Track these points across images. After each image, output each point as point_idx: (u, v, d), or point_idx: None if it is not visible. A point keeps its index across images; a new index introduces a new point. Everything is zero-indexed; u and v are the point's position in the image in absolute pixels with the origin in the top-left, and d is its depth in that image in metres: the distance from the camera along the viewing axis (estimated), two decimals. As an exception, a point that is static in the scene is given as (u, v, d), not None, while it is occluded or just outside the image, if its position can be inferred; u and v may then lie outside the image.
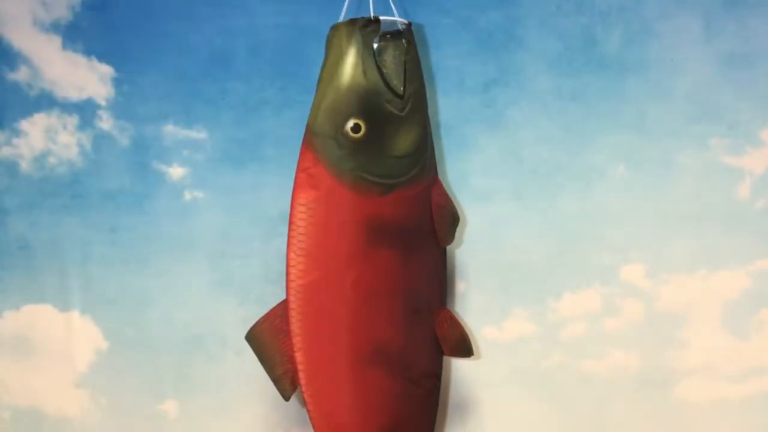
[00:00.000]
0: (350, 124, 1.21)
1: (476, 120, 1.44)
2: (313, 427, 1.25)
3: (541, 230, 1.43)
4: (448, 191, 1.31)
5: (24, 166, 1.49)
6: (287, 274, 1.22)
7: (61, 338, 1.50)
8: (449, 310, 1.30)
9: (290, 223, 1.22)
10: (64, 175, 1.49)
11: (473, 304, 1.43)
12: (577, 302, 1.43)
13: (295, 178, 1.23)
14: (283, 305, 1.24)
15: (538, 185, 1.43)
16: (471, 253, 1.43)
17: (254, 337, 1.26)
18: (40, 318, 1.50)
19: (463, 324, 1.30)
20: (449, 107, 1.44)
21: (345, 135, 1.22)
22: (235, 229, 1.47)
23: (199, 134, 1.47)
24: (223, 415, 1.48)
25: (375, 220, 1.23)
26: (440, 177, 1.30)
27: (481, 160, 1.44)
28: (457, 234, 1.37)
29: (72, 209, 1.49)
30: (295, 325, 1.23)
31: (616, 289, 1.42)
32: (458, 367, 1.43)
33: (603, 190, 1.42)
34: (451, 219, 1.29)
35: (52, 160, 1.49)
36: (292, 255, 1.22)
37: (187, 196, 1.47)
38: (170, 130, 1.48)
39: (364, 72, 1.21)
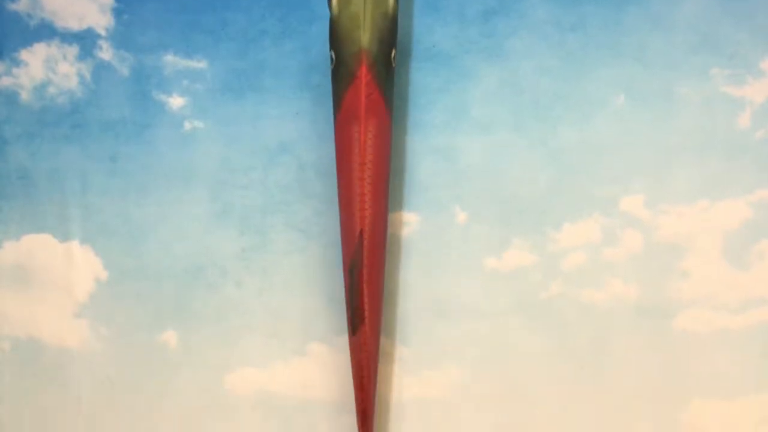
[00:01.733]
0: (393, 53, 1.24)
1: (476, 50, 1.43)
2: None
3: (541, 161, 1.43)
4: (448, 123, 1.34)
5: (24, 96, 1.49)
6: (360, 203, 1.26)
7: (61, 268, 1.50)
8: None
9: (357, 151, 1.25)
10: (64, 105, 1.49)
11: (473, 234, 1.43)
12: (577, 232, 1.42)
13: (358, 103, 1.26)
14: None
15: (538, 116, 1.43)
16: (471, 184, 1.43)
17: None
18: (40, 248, 1.50)
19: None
20: (449, 37, 1.43)
21: (389, 63, 1.25)
22: (235, 159, 1.47)
23: (199, 64, 1.47)
24: (223, 345, 1.48)
25: None
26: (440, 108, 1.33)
27: (480, 90, 1.43)
28: (457, 165, 1.39)
29: (72, 139, 1.49)
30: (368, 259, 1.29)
31: (616, 219, 1.41)
32: (458, 297, 1.43)
33: (603, 120, 1.42)
34: None
35: (52, 90, 1.49)
36: (365, 184, 1.27)
37: (187, 126, 1.48)
38: (170, 59, 1.48)
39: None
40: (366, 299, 1.29)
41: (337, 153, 1.33)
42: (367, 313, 1.30)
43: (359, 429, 1.35)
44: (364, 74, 1.29)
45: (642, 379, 1.40)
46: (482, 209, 1.43)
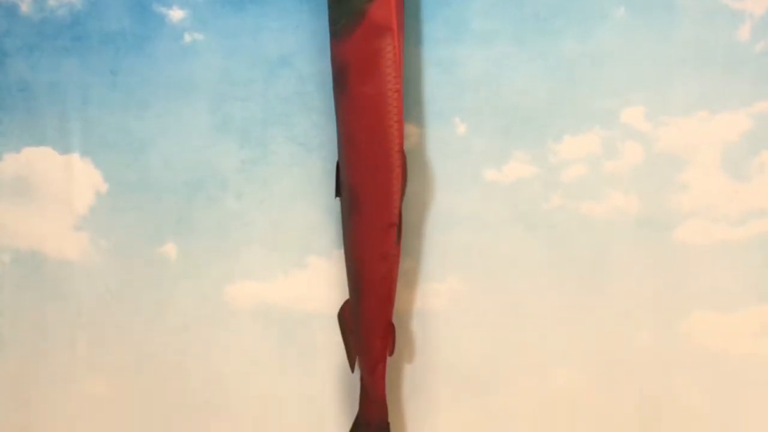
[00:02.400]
0: None
1: (477, -38, 1.44)
2: None
3: (541, 73, 1.42)
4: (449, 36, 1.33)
5: (24, 8, 1.49)
6: (397, 119, 1.30)
7: (61, 181, 1.50)
8: None
9: (391, 67, 1.28)
10: (64, 18, 1.49)
11: (474, 146, 1.43)
12: (577, 145, 1.42)
13: (389, 14, 1.28)
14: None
15: (538, 28, 1.42)
16: (472, 97, 1.43)
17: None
18: (40, 160, 1.50)
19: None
20: (450, -51, 1.44)
21: None
22: (235, 71, 1.47)
23: (199, -24, 1.47)
24: (223, 257, 1.48)
25: None
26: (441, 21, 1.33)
27: (481, 3, 1.42)
28: (458, 77, 1.39)
29: (72, 52, 1.49)
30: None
31: (617, 131, 1.41)
32: (459, 209, 1.43)
33: (603, 32, 1.41)
34: None
35: (52, 2, 1.48)
36: (399, 97, 1.30)
37: (187, 38, 1.47)
38: (170, -30, 1.48)
39: None
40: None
41: (353, 68, 1.31)
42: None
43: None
44: None
45: (641, 291, 1.41)
46: (483, 121, 1.43)
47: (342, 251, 1.40)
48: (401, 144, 1.32)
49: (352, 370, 1.39)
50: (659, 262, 1.41)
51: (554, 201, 1.43)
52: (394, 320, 1.39)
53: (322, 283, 1.46)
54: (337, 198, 1.37)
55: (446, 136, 1.43)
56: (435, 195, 1.43)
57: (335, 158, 1.39)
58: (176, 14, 1.47)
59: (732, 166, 1.40)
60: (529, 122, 1.43)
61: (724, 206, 1.40)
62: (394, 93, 1.30)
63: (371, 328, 1.37)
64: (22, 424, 1.54)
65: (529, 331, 1.43)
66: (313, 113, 1.45)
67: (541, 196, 1.43)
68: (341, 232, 1.39)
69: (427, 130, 1.43)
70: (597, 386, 1.42)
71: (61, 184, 1.50)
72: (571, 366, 1.43)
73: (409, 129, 1.43)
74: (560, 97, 1.42)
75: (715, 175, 1.40)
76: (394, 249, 1.35)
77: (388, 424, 1.40)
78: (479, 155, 1.43)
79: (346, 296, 1.40)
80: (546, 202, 1.43)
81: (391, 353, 1.38)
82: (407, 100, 1.41)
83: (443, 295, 1.44)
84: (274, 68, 1.45)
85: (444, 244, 1.43)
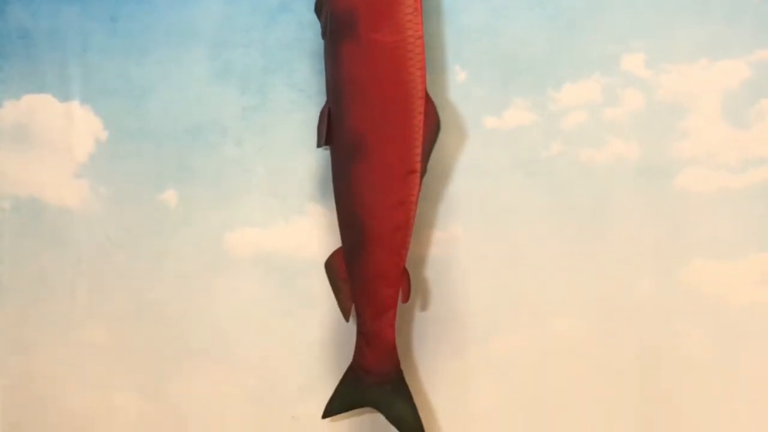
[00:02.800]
0: None
1: None
2: None
3: (541, 20, 1.42)
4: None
5: (24, -45, 1.50)
6: (407, 61, 1.29)
7: (62, 128, 1.51)
8: None
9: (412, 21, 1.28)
10: (65, -36, 1.50)
11: (474, 94, 1.43)
12: (577, 92, 1.42)
13: None
14: None
15: (538, -26, 1.43)
16: (471, 44, 1.43)
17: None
18: (40, 108, 1.50)
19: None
20: None
21: None
22: (235, 18, 1.47)
23: None
24: (223, 204, 1.48)
25: None
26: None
27: (481, -51, 1.43)
28: (457, 25, 1.38)
29: (72, -2, 1.50)
30: None
31: (617, 78, 1.41)
32: (459, 157, 1.43)
33: (604, -21, 1.42)
34: None
35: (51, -52, 1.49)
36: (416, 41, 1.29)
37: (188, -16, 1.48)
38: None
39: None
40: None
41: (364, 15, 1.30)
42: None
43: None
44: None
45: (642, 239, 1.40)
46: (483, 69, 1.43)
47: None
48: (424, 90, 1.31)
49: (347, 320, 1.39)
50: (659, 209, 1.40)
51: (554, 148, 1.43)
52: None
53: (322, 230, 1.46)
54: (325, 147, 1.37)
55: (446, 83, 1.43)
56: (436, 142, 1.43)
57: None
58: (176, -40, 1.48)
59: (732, 114, 1.40)
60: (529, 70, 1.43)
61: (725, 154, 1.40)
62: (416, 40, 1.29)
63: (380, 276, 1.35)
64: (22, 370, 1.54)
65: (530, 279, 1.43)
66: (313, 59, 1.45)
67: (541, 144, 1.43)
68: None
69: (428, 77, 1.43)
70: (597, 333, 1.42)
71: (61, 132, 1.50)
72: (571, 313, 1.42)
73: (410, 76, 1.43)
74: (560, 45, 1.42)
75: (716, 122, 1.40)
76: (412, 196, 1.33)
77: (401, 371, 1.38)
78: (479, 103, 1.43)
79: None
80: (546, 150, 1.43)
81: (407, 300, 1.37)
82: (407, 48, 1.42)
83: (444, 243, 1.44)
84: (275, 14, 1.45)
85: (444, 191, 1.43)
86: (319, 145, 1.36)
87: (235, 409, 1.50)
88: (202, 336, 1.50)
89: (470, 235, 1.44)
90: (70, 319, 1.53)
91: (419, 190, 1.33)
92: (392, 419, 1.38)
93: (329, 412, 1.41)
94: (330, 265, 1.39)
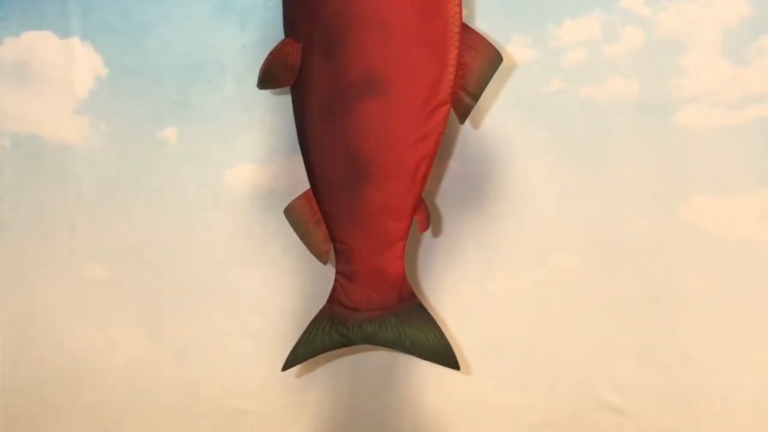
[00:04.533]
0: None
1: None
2: None
3: (541, -43, 1.43)
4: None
5: None
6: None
7: (61, 65, 1.50)
8: None
9: None
10: None
11: (474, 29, 1.42)
12: (577, 29, 1.42)
13: None
14: None
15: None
16: (469, -19, 1.43)
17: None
18: (40, 44, 1.50)
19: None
20: None
21: None
22: (235, -46, 1.47)
23: None
24: (223, 141, 1.48)
25: None
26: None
27: None
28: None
29: (73, -65, 1.50)
30: None
31: (616, 15, 1.41)
32: (458, 94, 1.43)
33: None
34: None
35: None
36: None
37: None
38: None
39: None
40: None
41: None
42: None
43: None
44: None
45: (641, 176, 1.41)
46: (483, 5, 1.43)
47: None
48: (460, 25, 1.28)
49: (325, 262, 1.37)
50: (659, 146, 1.41)
51: (554, 85, 1.43)
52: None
53: (321, 167, 1.46)
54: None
55: (446, 20, 1.43)
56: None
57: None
58: None
59: (732, 50, 1.40)
60: (529, 6, 1.43)
61: (724, 91, 1.40)
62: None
63: (390, 210, 1.33)
64: (22, 307, 1.54)
65: (528, 216, 1.43)
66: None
67: (542, 80, 1.43)
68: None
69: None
70: (597, 271, 1.42)
71: (61, 68, 1.50)
72: (570, 250, 1.43)
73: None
74: (560, -19, 1.43)
75: (715, 59, 1.40)
76: (440, 127, 1.31)
77: (415, 298, 1.37)
78: (478, 38, 1.43)
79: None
80: (546, 86, 1.43)
81: (426, 228, 1.35)
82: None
83: (440, 179, 1.45)
84: (276, -46, 1.45)
85: (449, 132, 1.42)
86: (276, 86, 1.33)
87: (234, 346, 1.50)
88: (202, 273, 1.50)
89: (467, 172, 1.44)
90: (70, 256, 1.53)
91: (447, 120, 1.31)
92: (407, 348, 1.37)
93: (291, 362, 1.38)
94: (295, 210, 1.36)
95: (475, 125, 1.44)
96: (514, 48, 1.43)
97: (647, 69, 1.41)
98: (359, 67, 1.29)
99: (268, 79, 1.31)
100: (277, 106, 1.46)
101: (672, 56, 1.41)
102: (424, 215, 1.35)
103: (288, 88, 1.33)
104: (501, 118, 1.43)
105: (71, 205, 1.52)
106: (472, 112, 1.33)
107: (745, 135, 1.39)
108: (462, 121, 1.32)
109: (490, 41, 1.29)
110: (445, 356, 1.37)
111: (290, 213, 1.36)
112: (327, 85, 1.31)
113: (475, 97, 1.31)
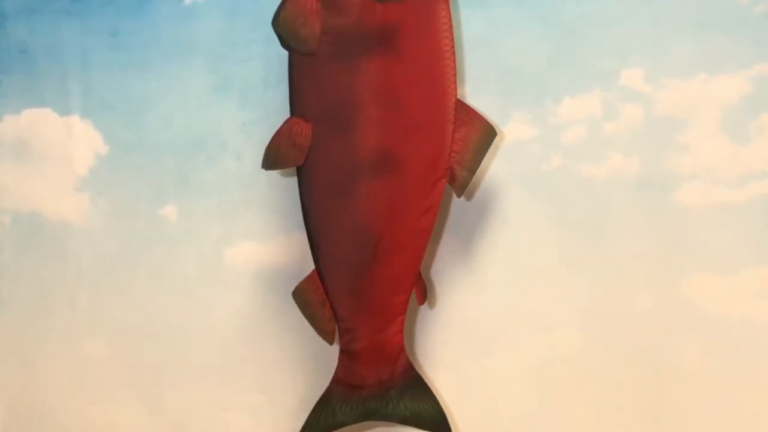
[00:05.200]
0: None
1: None
2: None
3: (540, 34, 1.42)
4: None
5: (24, -31, 1.50)
6: (444, 71, 1.32)
7: (62, 142, 1.51)
8: None
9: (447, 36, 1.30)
10: (64, -21, 1.50)
11: (474, 107, 1.42)
12: (576, 106, 1.42)
13: None
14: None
15: (538, -11, 1.43)
16: (471, 58, 1.43)
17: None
18: (40, 122, 1.51)
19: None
20: None
21: None
22: (235, 32, 1.46)
23: (198, -64, 1.48)
24: (224, 218, 1.48)
25: None
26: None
27: (481, -36, 1.44)
28: (457, 39, 1.39)
29: (72, 14, 1.49)
30: None
31: (616, 92, 1.41)
32: (458, 171, 1.44)
33: (603, -7, 1.42)
34: None
35: (52, -37, 1.50)
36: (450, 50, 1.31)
37: (187, -1, 1.48)
38: (168, -70, 1.48)
39: None
40: None
41: (406, 29, 1.28)
42: None
43: None
44: None
45: (641, 253, 1.41)
46: (482, 82, 1.43)
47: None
48: (455, 99, 1.31)
49: (331, 343, 1.37)
50: (659, 223, 1.41)
51: (554, 162, 1.43)
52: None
53: (322, 244, 1.46)
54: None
55: (446, 97, 1.44)
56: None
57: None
58: (176, -25, 1.48)
59: (732, 128, 1.40)
60: (529, 83, 1.43)
61: (724, 168, 1.40)
62: (451, 50, 1.30)
63: (394, 285, 1.34)
64: (21, 384, 1.54)
65: (529, 293, 1.43)
66: (313, 74, 1.45)
67: (542, 157, 1.43)
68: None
69: (426, 92, 1.44)
70: (597, 346, 1.42)
71: (61, 146, 1.50)
72: (571, 327, 1.43)
73: (409, 90, 1.44)
74: (560, 58, 1.42)
75: (715, 137, 1.40)
76: (439, 201, 1.33)
77: (412, 368, 1.38)
78: (479, 116, 1.44)
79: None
80: (546, 163, 1.43)
81: (424, 301, 1.38)
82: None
83: (441, 254, 1.45)
84: (275, 28, 1.45)
85: (442, 204, 1.43)
86: (284, 167, 1.33)
87: (236, 423, 1.50)
88: (203, 350, 1.50)
89: (469, 248, 1.44)
90: (71, 332, 1.53)
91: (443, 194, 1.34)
92: (406, 419, 1.38)
93: None
94: (302, 293, 1.36)
95: (469, 197, 1.44)
96: (514, 125, 1.43)
97: (647, 146, 1.41)
98: (371, 145, 1.29)
99: (275, 159, 1.30)
100: (278, 183, 1.46)
101: (672, 133, 1.41)
102: (421, 287, 1.37)
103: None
104: (500, 195, 1.44)
105: (71, 282, 1.52)
106: (474, 188, 1.34)
107: (745, 213, 1.39)
108: (459, 195, 1.34)
109: (484, 116, 1.31)
110: (443, 426, 1.38)
111: (297, 295, 1.36)
112: (338, 163, 1.31)
113: (472, 171, 1.33)
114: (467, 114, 1.32)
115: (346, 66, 1.29)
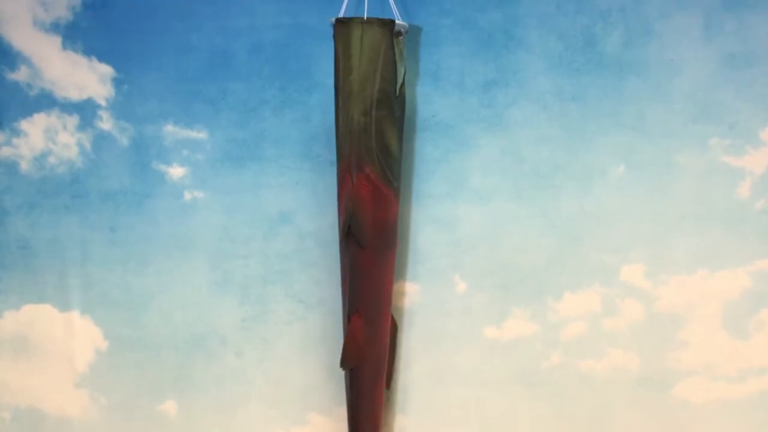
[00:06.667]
0: None
1: (476, 120, 1.44)
2: None
3: (541, 230, 1.43)
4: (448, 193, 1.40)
5: (24, 166, 1.50)
6: None
7: (61, 338, 1.51)
8: None
9: None
10: (64, 175, 1.50)
11: (474, 303, 1.43)
12: (577, 302, 1.42)
13: None
14: None
15: (538, 185, 1.43)
16: (472, 253, 1.43)
17: None
18: (40, 318, 1.51)
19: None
20: (449, 107, 1.44)
21: None
22: (234, 229, 1.47)
23: (199, 134, 1.48)
24: (223, 414, 1.48)
25: None
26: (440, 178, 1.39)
27: (481, 160, 1.43)
28: (457, 234, 1.40)
29: (72, 209, 1.50)
30: None
31: (616, 289, 1.41)
32: (458, 366, 1.43)
33: (603, 190, 1.42)
34: None
35: (52, 160, 1.49)
36: None
37: (187, 196, 1.48)
38: (170, 130, 1.48)
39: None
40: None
41: None
42: None
43: None
44: None
45: (642, 448, 1.41)
46: (482, 279, 1.43)
47: (341, 408, 1.42)
48: None
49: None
50: (659, 419, 1.41)
51: (554, 358, 1.43)
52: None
53: (322, 440, 1.46)
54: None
55: (446, 293, 1.44)
56: (435, 352, 1.44)
57: (335, 314, 1.41)
58: (176, 172, 1.48)
59: (732, 323, 1.40)
60: (528, 279, 1.43)
61: (724, 364, 1.40)
62: None
63: None
64: None
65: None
66: (313, 270, 1.46)
67: (542, 354, 1.43)
68: (343, 390, 1.40)
69: (427, 287, 1.44)
70: None
71: (61, 342, 1.50)
72: None
73: (410, 286, 1.44)
74: (560, 254, 1.43)
75: (715, 332, 1.40)
76: None
77: None
78: (479, 313, 1.44)
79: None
80: (546, 360, 1.43)
81: None
82: (407, 257, 1.43)
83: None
84: (274, 225, 1.45)
85: (444, 400, 1.44)
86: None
87: None
88: None
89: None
90: None
91: None
92: None
93: None
94: None
95: (476, 398, 1.44)
96: (514, 321, 1.43)
97: (647, 342, 1.41)
98: None
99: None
100: (278, 379, 1.46)
101: (672, 329, 1.41)
102: None
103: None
104: (501, 392, 1.43)
105: (73, 479, 1.53)
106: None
107: (745, 408, 1.39)
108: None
109: None
110: None
111: None
112: None
113: None
114: None
115: None
